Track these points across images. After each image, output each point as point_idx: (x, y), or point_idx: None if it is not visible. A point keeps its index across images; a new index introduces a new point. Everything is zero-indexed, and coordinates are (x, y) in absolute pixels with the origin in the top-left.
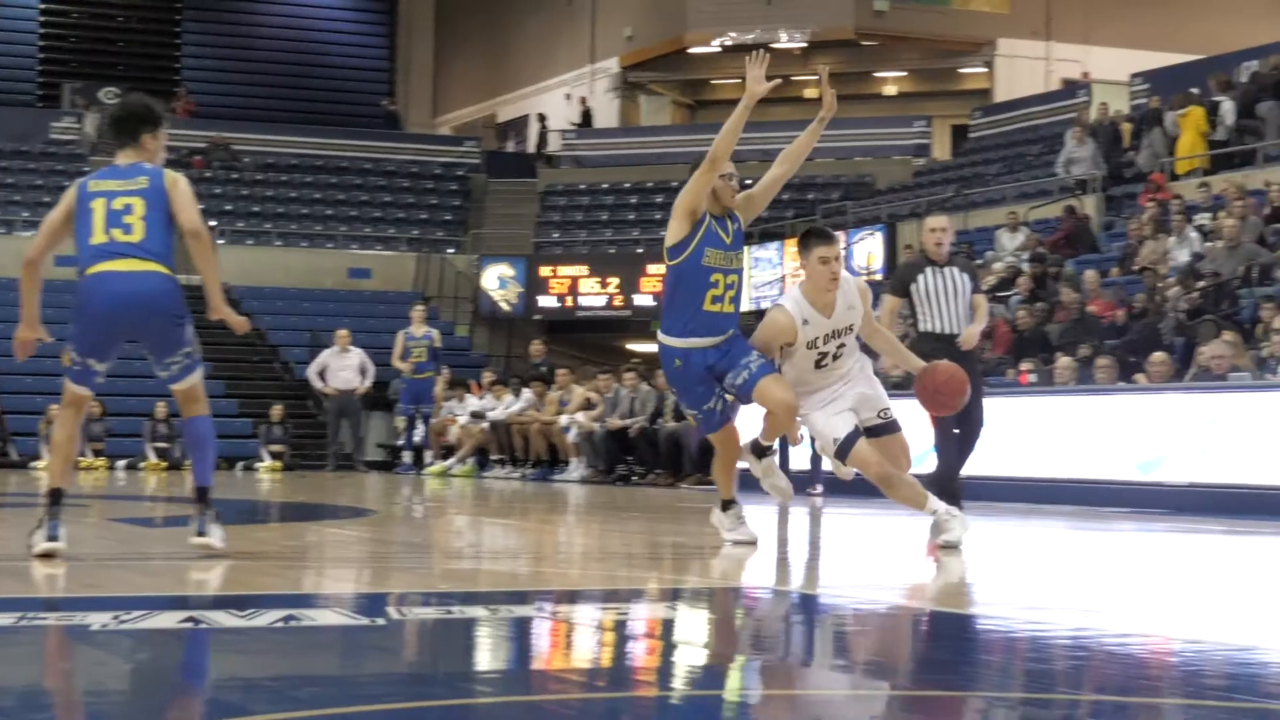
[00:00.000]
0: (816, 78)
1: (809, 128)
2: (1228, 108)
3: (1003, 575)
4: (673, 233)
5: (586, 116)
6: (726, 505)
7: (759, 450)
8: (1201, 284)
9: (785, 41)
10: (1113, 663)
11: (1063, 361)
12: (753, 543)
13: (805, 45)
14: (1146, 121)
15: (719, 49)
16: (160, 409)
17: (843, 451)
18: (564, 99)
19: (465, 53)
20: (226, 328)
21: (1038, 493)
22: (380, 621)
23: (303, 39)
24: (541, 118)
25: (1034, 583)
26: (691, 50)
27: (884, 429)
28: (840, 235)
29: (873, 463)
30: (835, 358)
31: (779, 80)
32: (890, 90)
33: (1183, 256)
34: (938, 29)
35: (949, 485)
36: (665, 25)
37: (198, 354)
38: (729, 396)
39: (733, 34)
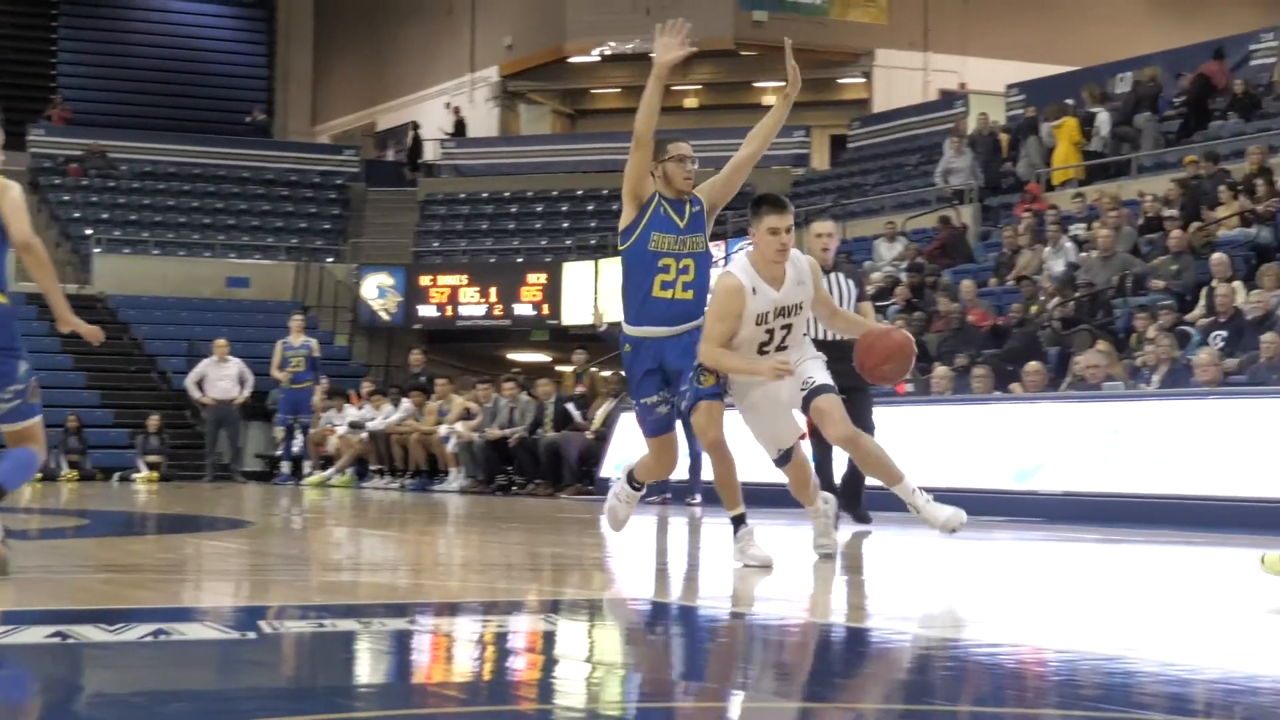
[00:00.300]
0: (695, 87)
1: (776, 103)
2: (1103, 118)
3: (879, 586)
4: (623, 218)
5: (460, 126)
6: (736, 523)
7: (631, 482)
8: (1077, 294)
9: None
10: (983, 673)
11: (939, 371)
12: (766, 566)
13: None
14: (1023, 132)
15: (598, 58)
16: (72, 421)
17: (783, 460)
18: (444, 108)
19: (345, 61)
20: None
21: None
22: (253, 635)
23: (180, 46)
24: (415, 126)
25: (907, 593)
26: (571, 59)
27: (815, 392)
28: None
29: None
30: (781, 347)
31: (693, 47)
32: (769, 100)
33: (1058, 266)
34: (816, 39)
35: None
36: (545, 34)
37: (33, 397)
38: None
39: (612, 43)
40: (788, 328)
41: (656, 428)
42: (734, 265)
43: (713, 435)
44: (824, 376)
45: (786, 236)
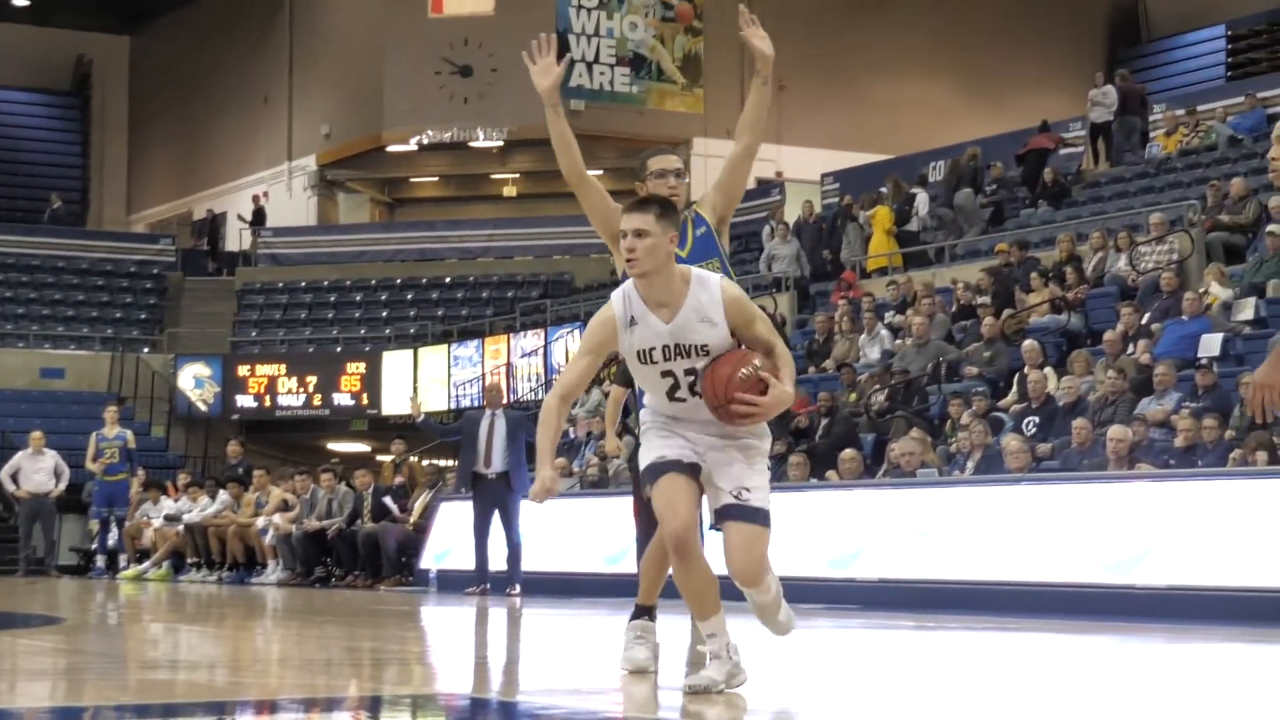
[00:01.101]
0: (514, 176)
1: (752, 89)
2: (922, 199)
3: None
4: (615, 262)
5: (259, 214)
6: (637, 612)
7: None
8: (893, 381)
9: (482, 140)
10: None
11: None
12: (641, 672)
13: (502, 144)
14: (840, 219)
15: (415, 147)
16: None
17: (651, 473)
18: (256, 198)
19: (161, 149)
20: None
21: (730, 590)
22: None
23: None
24: (211, 214)
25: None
26: (389, 148)
27: (734, 513)
28: (540, 332)
29: (674, 513)
30: (695, 391)
31: (569, 57)
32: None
33: (874, 353)
34: (634, 128)
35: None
36: (362, 123)
37: None
38: None
39: (430, 132)
40: (695, 373)
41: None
42: (617, 289)
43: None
44: (754, 500)
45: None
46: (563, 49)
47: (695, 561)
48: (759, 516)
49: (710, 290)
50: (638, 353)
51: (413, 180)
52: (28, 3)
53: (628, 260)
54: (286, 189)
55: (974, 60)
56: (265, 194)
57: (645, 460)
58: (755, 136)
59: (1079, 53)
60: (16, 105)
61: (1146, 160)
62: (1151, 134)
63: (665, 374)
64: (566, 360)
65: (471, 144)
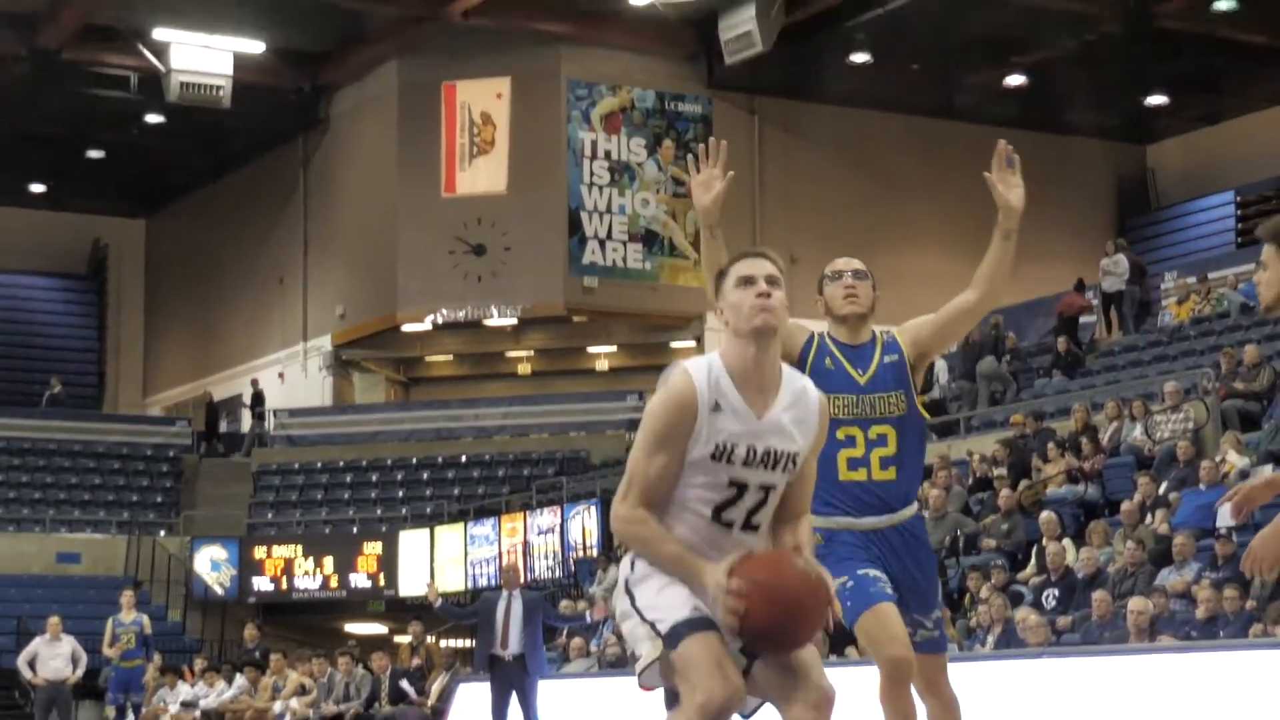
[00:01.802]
0: (528, 354)
1: (994, 242)
2: (941, 365)
3: None
4: None
5: (258, 398)
6: None
7: None
8: None
9: (497, 318)
10: None
11: None
12: None
13: (516, 322)
14: None
15: (430, 326)
16: None
17: (672, 637)
18: (277, 378)
19: (176, 331)
20: None
21: None
22: None
23: (8, 319)
24: (209, 398)
25: None
26: (404, 328)
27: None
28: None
29: (705, 670)
30: (750, 521)
31: (731, 175)
32: (602, 365)
33: None
34: (647, 304)
35: None
36: (377, 302)
37: None
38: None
39: (444, 310)
40: (767, 493)
41: (867, 599)
42: (698, 360)
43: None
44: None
45: (771, 289)
46: (573, 223)
47: None
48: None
49: (807, 388)
50: (714, 448)
51: (428, 359)
52: (44, 189)
53: (763, 308)
54: (302, 369)
55: (983, 233)
56: (281, 374)
57: (665, 615)
58: (990, 291)
59: (1089, 223)
60: (34, 290)
61: (1159, 329)
62: (1163, 302)
63: (734, 483)
64: (583, 539)
65: (486, 322)
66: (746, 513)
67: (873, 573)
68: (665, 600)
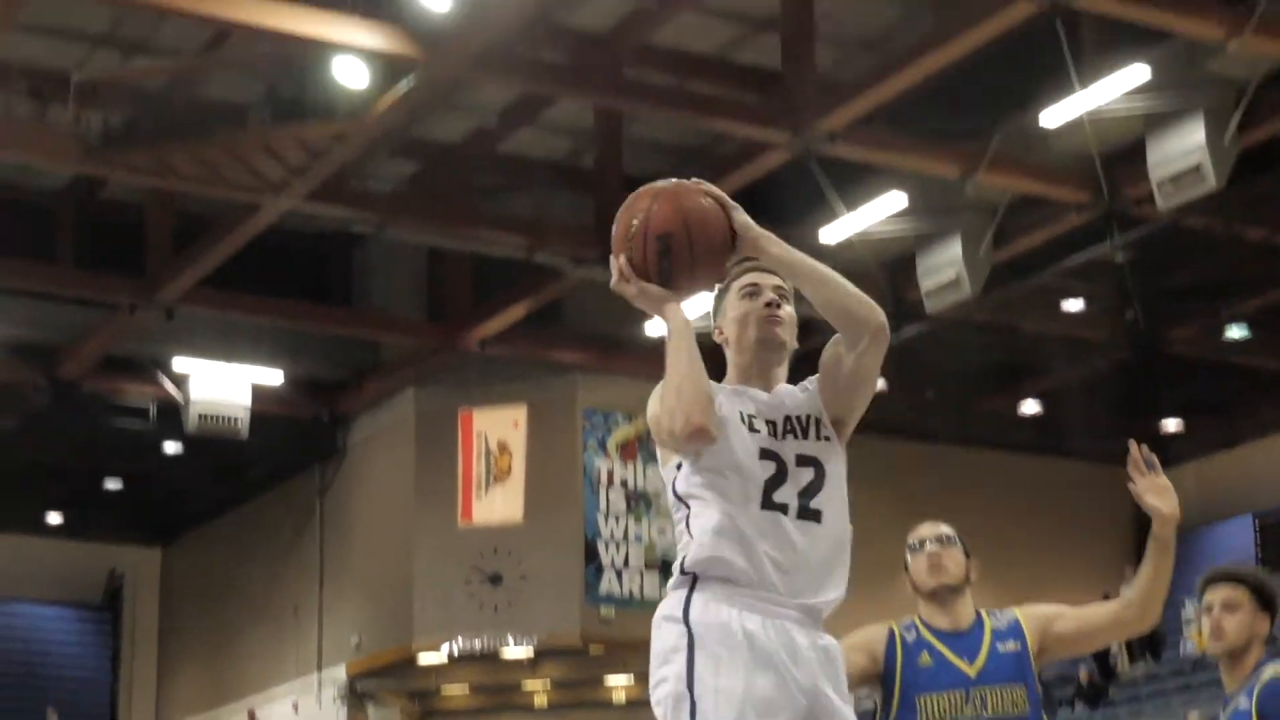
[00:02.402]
0: (544, 685)
1: (1148, 555)
2: None
3: None
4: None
5: None
6: None
7: None
8: None
9: (513, 648)
10: None
11: None
12: None
13: (532, 655)
14: None
15: (446, 658)
16: None
17: None
18: (291, 709)
19: (190, 659)
20: None
21: None
22: None
23: (22, 649)
24: None
25: None
26: (420, 659)
27: None
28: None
29: None
30: (809, 511)
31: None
32: (619, 698)
33: None
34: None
35: None
36: (392, 632)
37: None
38: None
39: (460, 640)
40: (811, 466)
41: None
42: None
43: None
44: None
45: (775, 296)
46: (590, 552)
47: None
48: None
49: (806, 385)
50: (738, 415)
51: (444, 691)
52: (61, 519)
53: (770, 318)
54: (316, 700)
55: (1002, 552)
56: (295, 705)
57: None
58: (1151, 612)
59: (1108, 548)
60: (48, 621)
61: (1182, 658)
62: (1184, 631)
63: (767, 454)
64: None
65: (502, 652)
66: (797, 504)
67: None
68: (722, 685)
